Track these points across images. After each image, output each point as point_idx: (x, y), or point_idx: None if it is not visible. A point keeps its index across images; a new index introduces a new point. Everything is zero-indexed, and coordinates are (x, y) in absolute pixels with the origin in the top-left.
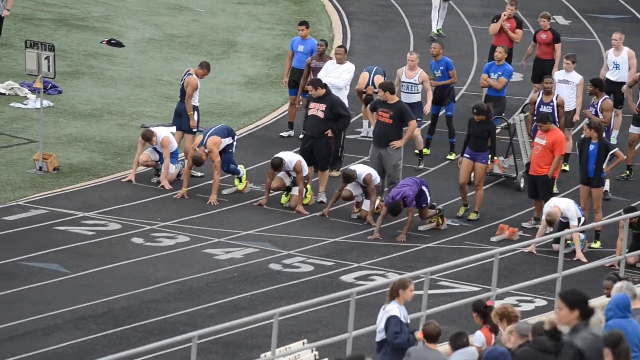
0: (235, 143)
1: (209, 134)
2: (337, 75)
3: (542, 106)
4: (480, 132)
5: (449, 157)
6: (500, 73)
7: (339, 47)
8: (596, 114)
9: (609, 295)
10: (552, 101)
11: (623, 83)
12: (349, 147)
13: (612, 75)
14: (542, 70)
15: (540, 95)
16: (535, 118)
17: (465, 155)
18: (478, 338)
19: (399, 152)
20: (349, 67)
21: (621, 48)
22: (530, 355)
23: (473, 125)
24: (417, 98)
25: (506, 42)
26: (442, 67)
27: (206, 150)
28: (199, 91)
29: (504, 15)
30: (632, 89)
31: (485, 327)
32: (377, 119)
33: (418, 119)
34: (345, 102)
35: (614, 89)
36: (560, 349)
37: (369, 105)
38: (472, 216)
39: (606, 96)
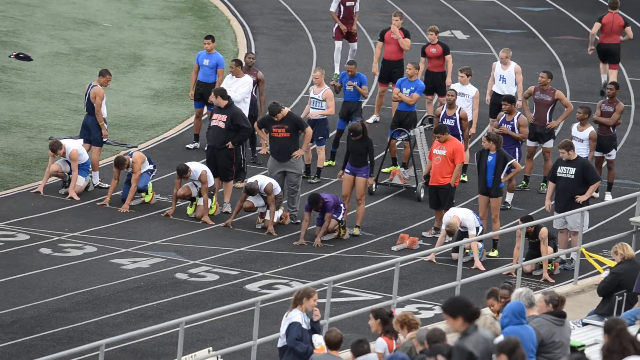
0: (154, 173)
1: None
2: (235, 89)
3: (445, 119)
4: (359, 149)
5: None
6: (412, 88)
7: (232, 60)
8: (513, 130)
9: (504, 304)
10: (454, 114)
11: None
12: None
13: (498, 88)
14: (434, 83)
15: (444, 109)
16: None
17: (346, 170)
18: (380, 344)
19: (301, 161)
20: (245, 81)
21: (509, 63)
22: None
23: (351, 143)
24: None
25: (395, 54)
26: (355, 82)
27: (131, 160)
28: (106, 103)
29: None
30: (527, 100)
31: (387, 334)
32: (272, 136)
33: (320, 138)
34: (246, 114)
35: (500, 100)
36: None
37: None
38: (355, 231)
39: (519, 112)
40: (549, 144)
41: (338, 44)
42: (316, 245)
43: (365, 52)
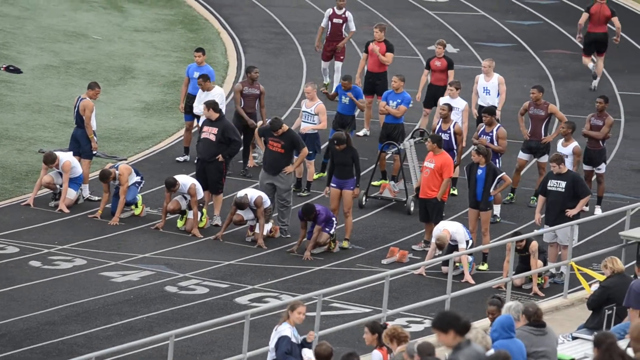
0: (142, 185)
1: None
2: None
3: (440, 134)
4: (345, 159)
5: None
6: (399, 101)
7: (199, 76)
8: (492, 142)
9: (492, 320)
10: (449, 129)
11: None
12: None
13: (482, 101)
14: (435, 96)
15: (440, 123)
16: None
17: (332, 184)
18: (376, 356)
19: (290, 177)
20: (215, 93)
21: (491, 74)
22: None
23: (336, 154)
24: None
25: (377, 66)
26: (352, 94)
27: (117, 172)
28: (95, 116)
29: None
30: (524, 117)
31: (383, 348)
32: (268, 148)
33: (310, 152)
34: None
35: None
36: None
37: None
38: (345, 244)
39: (499, 124)
40: (544, 158)
41: (324, 64)
42: (306, 258)
43: (354, 65)
